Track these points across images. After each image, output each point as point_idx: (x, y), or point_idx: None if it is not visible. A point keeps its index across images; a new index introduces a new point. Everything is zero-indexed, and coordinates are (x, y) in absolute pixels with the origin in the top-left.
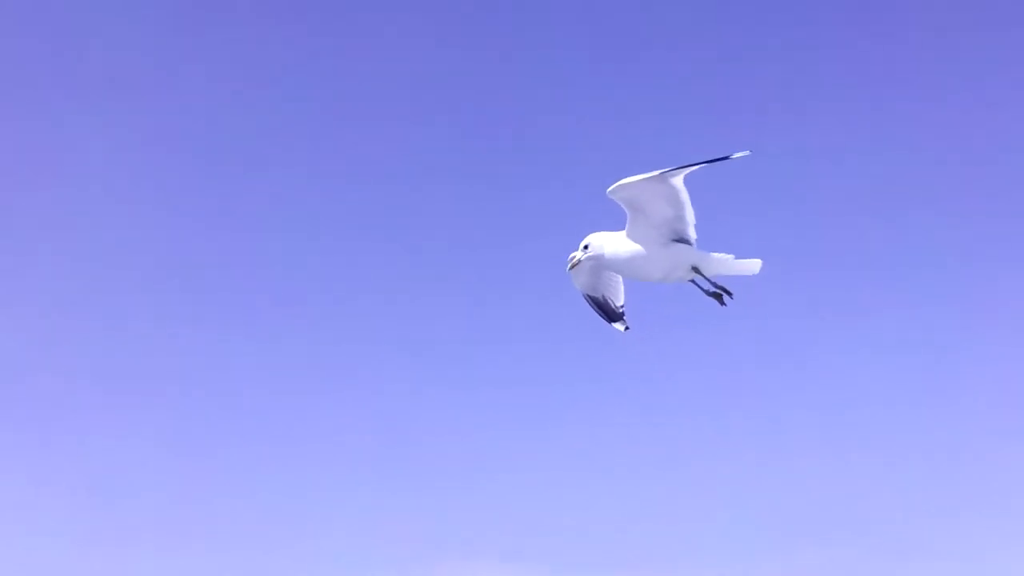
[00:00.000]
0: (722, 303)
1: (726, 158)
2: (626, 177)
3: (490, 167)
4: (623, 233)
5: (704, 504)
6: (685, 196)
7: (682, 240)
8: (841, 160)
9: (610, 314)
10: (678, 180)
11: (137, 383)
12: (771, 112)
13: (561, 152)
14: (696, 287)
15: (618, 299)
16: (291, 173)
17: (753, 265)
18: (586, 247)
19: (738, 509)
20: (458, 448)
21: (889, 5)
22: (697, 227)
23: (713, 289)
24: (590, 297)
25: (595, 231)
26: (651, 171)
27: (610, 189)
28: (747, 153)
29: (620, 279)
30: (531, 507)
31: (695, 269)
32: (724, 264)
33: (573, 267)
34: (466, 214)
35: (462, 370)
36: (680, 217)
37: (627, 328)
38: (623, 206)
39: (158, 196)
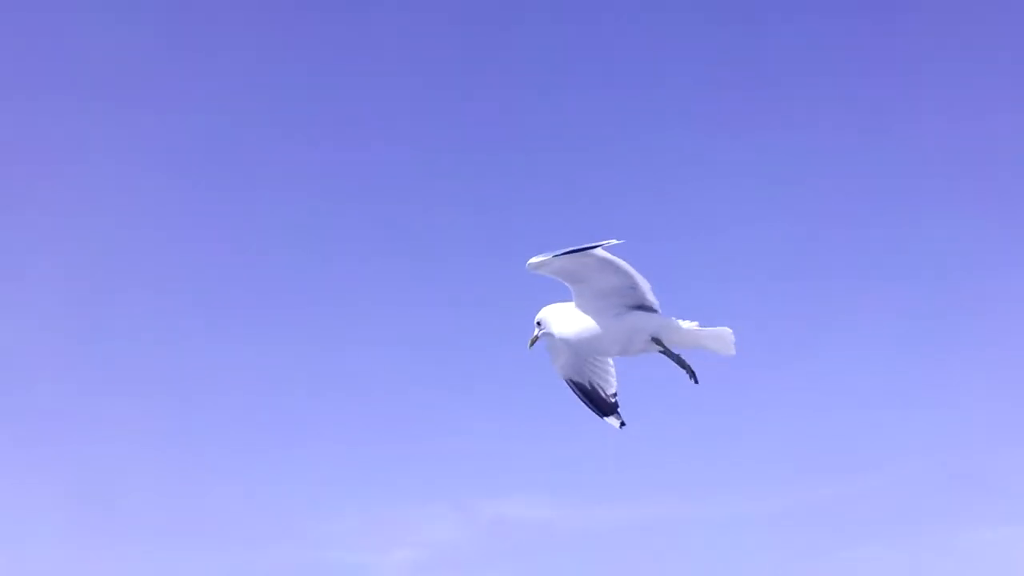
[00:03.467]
0: (694, 379)
1: (596, 247)
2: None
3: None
4: (572, 304)
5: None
6: (622, 262)
7: (642, 307)
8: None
9: (600, 405)
10: (600, 251)
11: (136, 385)
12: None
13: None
14: (666, 357)
15: (608, 385)
16: (291, 175)
17: (723, 336)
18: (539, 323)
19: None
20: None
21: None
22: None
23: (681, 360)
24: (574, 384)
25: (547, 303)
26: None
27: (528, 265)
28: (619, 242)
29: (610, 359)
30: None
31: (656, 340)
32: (689, 335)
33: (533, 343)
34: (470, 221)
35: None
36: (631, 286)
37: (623, 424)
38: (560, 279)
39: (160, 198)
